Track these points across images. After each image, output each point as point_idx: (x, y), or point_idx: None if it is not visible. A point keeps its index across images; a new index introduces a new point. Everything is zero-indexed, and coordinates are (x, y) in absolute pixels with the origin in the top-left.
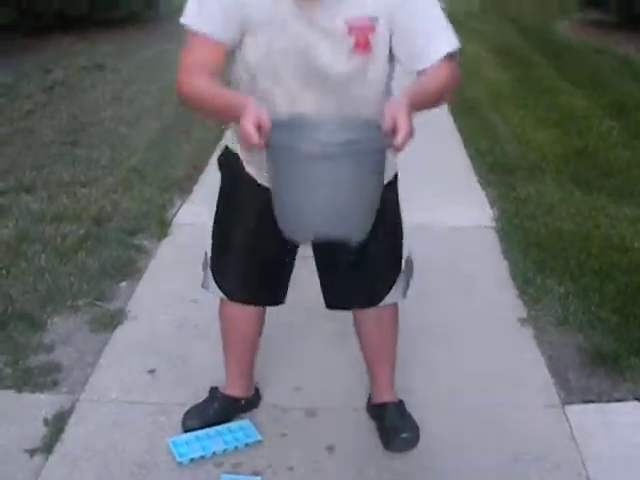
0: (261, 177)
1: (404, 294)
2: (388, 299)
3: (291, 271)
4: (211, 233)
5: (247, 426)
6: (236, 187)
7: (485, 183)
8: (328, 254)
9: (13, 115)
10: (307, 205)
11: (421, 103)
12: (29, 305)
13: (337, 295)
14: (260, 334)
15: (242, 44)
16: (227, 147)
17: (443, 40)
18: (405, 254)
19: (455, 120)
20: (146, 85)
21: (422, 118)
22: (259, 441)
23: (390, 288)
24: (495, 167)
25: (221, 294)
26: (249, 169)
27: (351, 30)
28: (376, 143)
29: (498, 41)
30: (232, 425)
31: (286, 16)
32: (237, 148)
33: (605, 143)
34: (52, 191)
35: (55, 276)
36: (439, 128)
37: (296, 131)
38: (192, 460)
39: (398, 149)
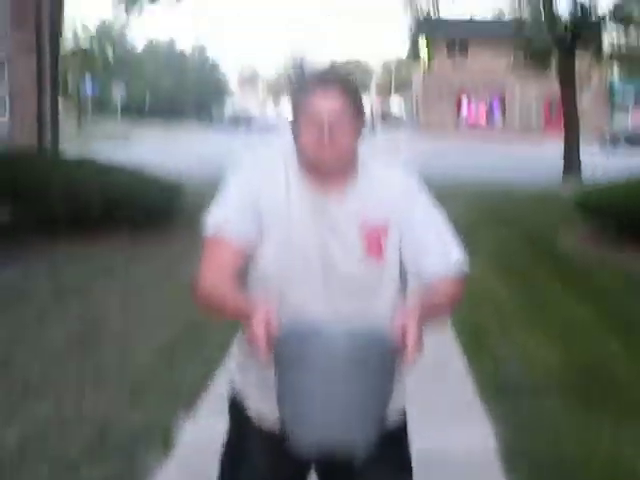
0: (266, 417)
1: None
2: None
3: None
4: (220, 462)
5: None
6: (242, 438)
7: (488, 404)
8: None
9: (22, 316)
10: (310, 412)
11: (428, 315)
12: None
13: None
14: None
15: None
16: (235, 397)
17: (449, 255)
18: None
19: (458, 338)
20: (155, 292)
21: (425, 337)
22: None
23: None
24: (499, 387)
25: None
26: (253, 413)
27: (363, 232)
28: (384, 354)
29: (500, 253)
30: None
31: (300, 211)
32: (241, 391)
33: (609, 361)
34: (58, 397)
35: None
36: (442, 347)
37: (303, 338)
38: None
39: (407, 361)
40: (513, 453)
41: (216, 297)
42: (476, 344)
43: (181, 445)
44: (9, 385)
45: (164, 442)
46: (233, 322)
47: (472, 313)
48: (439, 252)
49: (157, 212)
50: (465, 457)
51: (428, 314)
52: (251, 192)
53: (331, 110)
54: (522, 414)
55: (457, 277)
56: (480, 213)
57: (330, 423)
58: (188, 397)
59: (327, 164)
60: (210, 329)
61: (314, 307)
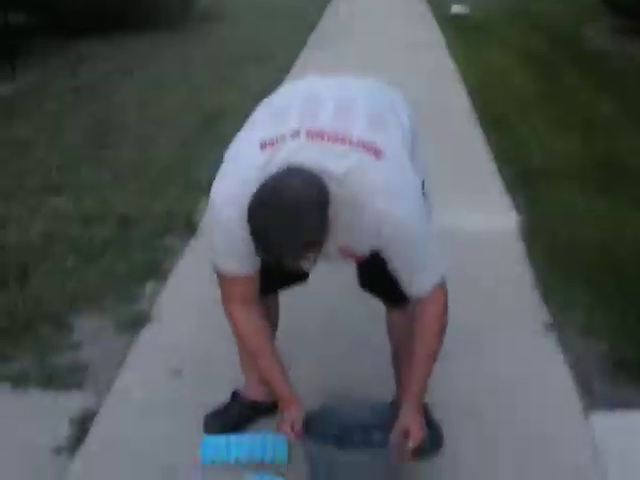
0: None
1: None
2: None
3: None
4: None
5: (280, 444)
6: None
7: (510, 189)
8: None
9: (39, 116)
10: None
11: (425, 388)
12: (55, 305)
13: (368, 283)
14: (273, 337)
15: None
16: None
17: (423, 280)
18: None
19: (481, 127)
20: (173, 88)
21: (448, 124)
22: (285, 461)
23: None
24: (520, 174)
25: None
26: None
27: (343, 255)
28: (390, 456)
29: (523, 48)
30: (267, 437)
31: None
32: None
33: (632, 151)
34: (79, 192)
35: (81, 277)
36: (464, 135)
37: (326, 430)
38: (213, 462)
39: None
40: (533, 235)
41: (253, 353)
42: (498, 130)
43: (204, 229)
44: (30, 183)
45: (186, 229)
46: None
47: (494, 103)
48: (414, 283)
49: (177, 12)
50: (486, 236)
51: (425, 388)
52: (237, 236)
53: None
54: (543, 200)
55: (436, 297)
56: (496, 11)
57: None
58: (210, 184)
59: None
60: (225, 125)
61: None
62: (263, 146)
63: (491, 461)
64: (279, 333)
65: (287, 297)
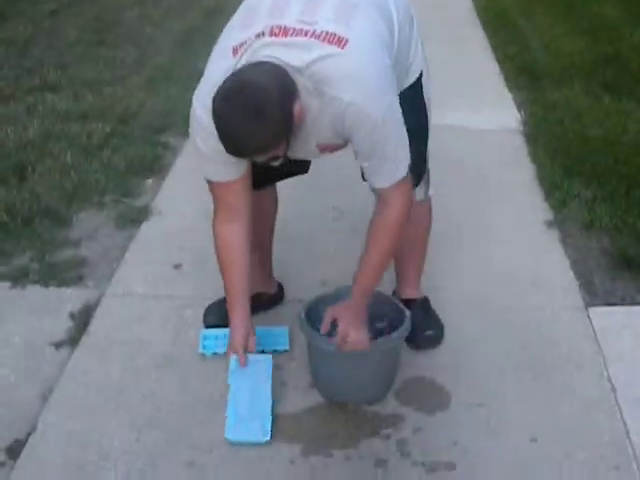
0: None
1: (426, 195)
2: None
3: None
4: None
5: (281, 334)
6: None
7: (513, 88)
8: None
9: (37, 15)
10: (327, 379)
11: (372, 286)
12: (55, 202)
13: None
14: (271, 229)
15: None
16: None
17: (385, 172)
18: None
19: (484, 26)
20: None
21: (452, 24)
22: (286, 351)
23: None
24: (523, 72)
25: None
26: None
27: (323, 150)
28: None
29: None
30: (270, 329)
31: None
32: None
33: (636, 51)
34: (77, 90)
35: (81, 173)
36: (468, 34)
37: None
38: (215, 354)
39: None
40: (535, 132)
41: (223, 267)
42: (501, 30)
43: None
44: (28, 82)
45: (185, 124)
46: None
47: (497, 2)
48: (376, 176)
49: None
50: (488, 134)
51: (373, 285)
52: (215, 141)
53: None
54: (546, 98)
55: (398, 192)
56: None
57: (341, 389)
58: None
59: None
60: (224, 23)
61: None
62: (234, 51)
63: (493, 353)
64: (283, 223)
65: (291, 191)
